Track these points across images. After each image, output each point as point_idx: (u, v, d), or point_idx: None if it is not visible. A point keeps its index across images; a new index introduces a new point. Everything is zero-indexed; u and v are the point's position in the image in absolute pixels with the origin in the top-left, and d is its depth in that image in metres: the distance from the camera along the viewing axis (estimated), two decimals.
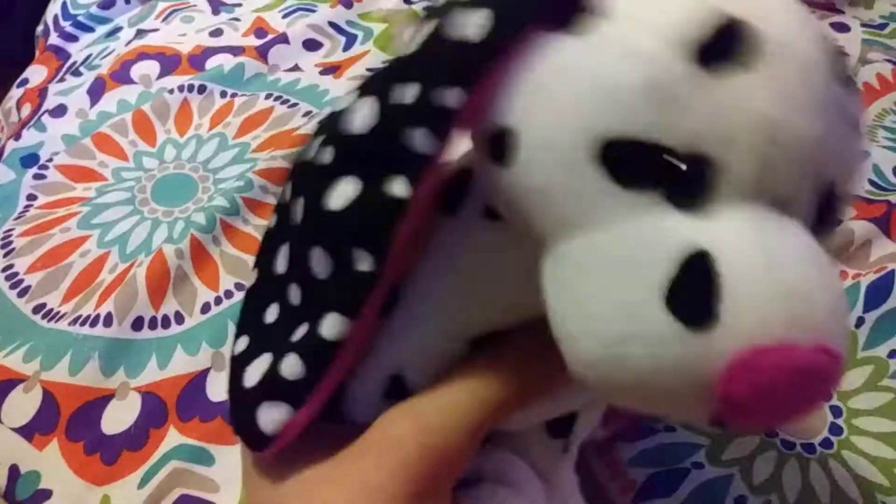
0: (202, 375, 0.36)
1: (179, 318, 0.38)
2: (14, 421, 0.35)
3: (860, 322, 0.38)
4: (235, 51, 0.55)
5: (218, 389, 0.36)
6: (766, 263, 0.13)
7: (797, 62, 0.15)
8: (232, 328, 0.38)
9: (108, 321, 0.38)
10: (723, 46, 0.15)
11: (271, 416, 0.19)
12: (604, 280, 0.15)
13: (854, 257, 0.41)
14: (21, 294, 0.40)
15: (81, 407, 0.35)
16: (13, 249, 0.42)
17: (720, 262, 0.13)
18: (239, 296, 0.39)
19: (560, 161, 0.15)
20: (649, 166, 0.14)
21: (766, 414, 0.14)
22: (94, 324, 0.38)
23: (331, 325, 0.19)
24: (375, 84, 0.18)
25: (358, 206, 0.17)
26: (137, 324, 0.38)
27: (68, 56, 0.59)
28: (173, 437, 0.34)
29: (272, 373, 0.20)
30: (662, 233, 0.14)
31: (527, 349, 0.20)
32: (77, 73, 0.55)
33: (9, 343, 0.38)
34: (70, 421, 0.35)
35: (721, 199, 0.14)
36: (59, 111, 0.51)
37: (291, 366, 0.19)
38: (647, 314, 0.14)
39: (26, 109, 0.55)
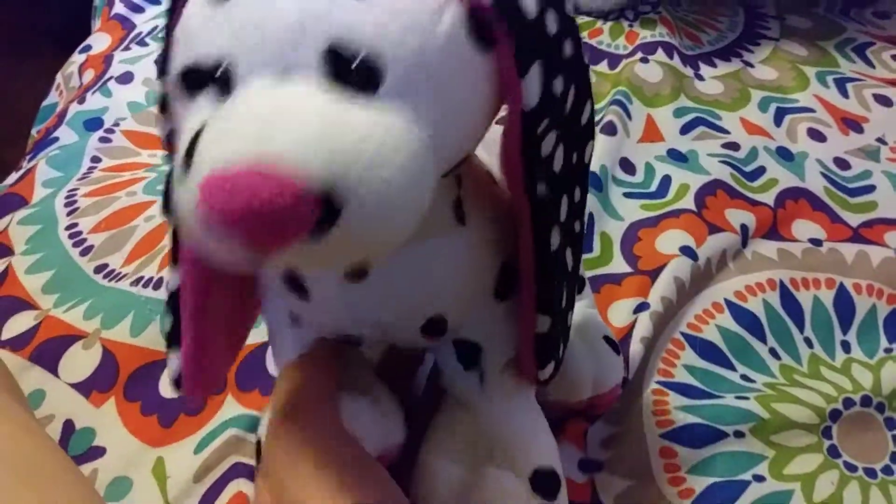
0: (262, 348, 0.36)
1: None
2: (71, 376, 0.35)
3: None
4: None
5: None
6: (233, 117, 0.17)
7: None
8: None
9: None
10: None
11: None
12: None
13: None
14: (84, 253, 0.40)
15: (141, 368, 0.35)
16: (77, 209, 0.42)
17: (206, 127, 0.17)
18: None
19: None
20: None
21: (230, 226, 0.16)
22: (157, 287, 0.38)
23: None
24: None
25: None
26: None
27: (133, 26, 0.59)
28: (231, 406, 0.34)
29: None
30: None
31: None
32: (143, 44, 0.56)
33: (70, 299, 0.38)
34: (129, 381, 0.35)
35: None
36: (126, 78, 0.52)
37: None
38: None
39: (89, 75, 0.55)
